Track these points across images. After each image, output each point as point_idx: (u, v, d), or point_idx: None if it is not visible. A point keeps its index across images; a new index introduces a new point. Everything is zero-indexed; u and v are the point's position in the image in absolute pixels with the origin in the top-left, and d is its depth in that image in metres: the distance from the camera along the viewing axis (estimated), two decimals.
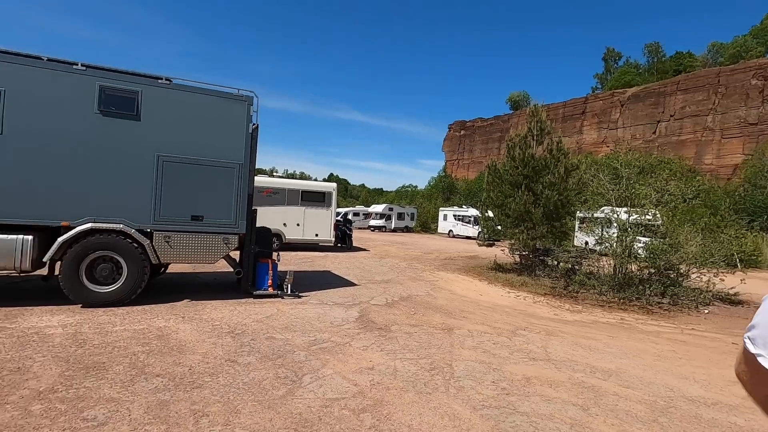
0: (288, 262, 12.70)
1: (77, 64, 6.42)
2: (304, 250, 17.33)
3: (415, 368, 4.77)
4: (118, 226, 6.54)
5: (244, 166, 7.35)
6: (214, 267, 10.43)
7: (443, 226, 39.39)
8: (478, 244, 16.91)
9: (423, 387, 4.26)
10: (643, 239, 11.44)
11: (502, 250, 14.97)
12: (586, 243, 15.73)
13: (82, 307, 6.40)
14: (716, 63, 56.09)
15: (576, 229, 16.79)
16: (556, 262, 12.87)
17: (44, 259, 6.28)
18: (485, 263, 15.87)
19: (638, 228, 11.51)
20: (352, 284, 10.19)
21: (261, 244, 8.31)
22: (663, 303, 10.16)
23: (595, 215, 13.30)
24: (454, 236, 37.11)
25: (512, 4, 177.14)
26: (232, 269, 8.31)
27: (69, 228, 6.33)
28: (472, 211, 34.89)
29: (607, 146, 54.75)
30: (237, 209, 7.31)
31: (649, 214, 11.44)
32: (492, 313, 8.16)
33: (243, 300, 7.60)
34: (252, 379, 4.17)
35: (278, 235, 16.06)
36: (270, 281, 8.04)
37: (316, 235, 17.36)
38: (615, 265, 11.29)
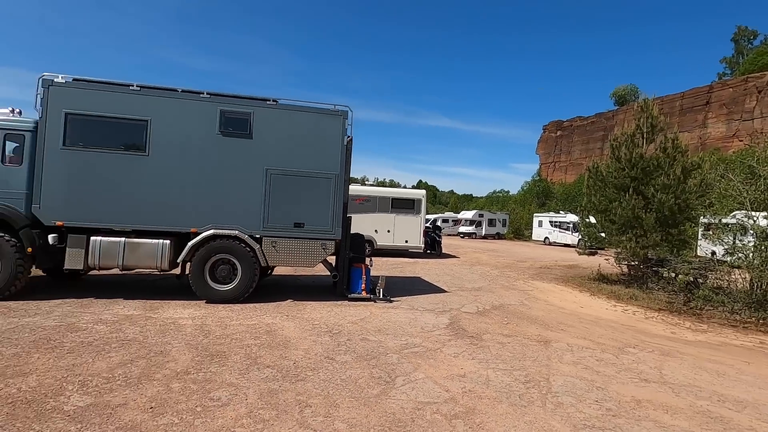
0: (379, 267, 13.11)
1: (203, 93, 7.47)
2: (394, 256, 17.73)
3: (508, 379, 4.64)
4: (234, 232, 7.43)
5: (339, 176, 7.85)
6: (312, 270, 11.20)
7: (538, 232, 37.26)
8: (579, 252, 15.66)
9: (517, 399, 4.13)
10: None
11: (606, 260, 13.69)
12: (713, 253, 13.68)
13: (206, 302, 7.36)
14: None
15: (699, 237, 14.70)
16: (673, 274, 11.39)
17: (178, 260, 7.38)
18: (587, 273, 14.67)
19: None
20: (442, 291, 10.19)
21: (355, 250, 8.74)
22: None
23: (725, 221, 11.52)
24: (550, 244, 34.87)
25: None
26: (328, 273, 8.88)
27: (196, 234, 7.35)
28: (571, 217, 32.45)
29: (740, 140, 46.91)
30: (333, 217, 7.82)
31: None
32: (595, 327, 7.55)
33: (338, 302, 8.06)
34: (349, 376, 4.44)
35: (370, 242, 16.64)
36: (363, 285, 8.42)
37: (406, 241, 17.65)
38: (752, 280, 9.65)
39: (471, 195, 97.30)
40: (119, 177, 7.17)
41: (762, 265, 9.37)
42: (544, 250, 28.17)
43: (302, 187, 7.72)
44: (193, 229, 7.37)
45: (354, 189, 17.21)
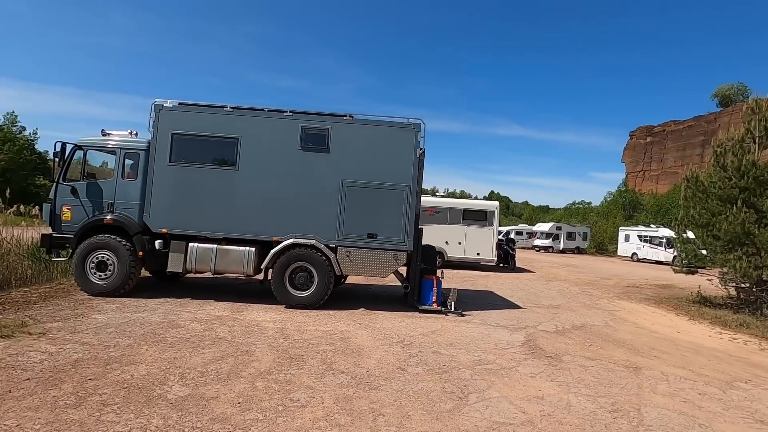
0: (450, 280, 12.93)
1: (287, 111, 8.04)
2: (465, 268, 17.37)
3: (592, 406, 4.31)
4: (311, 241, 7.84)
5: (412, 188, 7.95)
6: (383, 281, 11.38)
7: (624, 247, 34.27)
8: (675, 270, 14.05)
9: (603, 429, 3.82)
10: None
11: (708, 280, 12.16)
12: None
13: (285, 307, 7.82)
14: None
15: None
16: None
17: (261, 266, 7.94)
18: (684, 294, 13.15)
19: None
20: (517, 307, 9.77)
21: (426, 261, 8.74)
22: None
23: None
24: (638, 260, 31.89)
25: None
26: (399, 283, 8.97)
27: (278, 242, 7.87)
28: (664, 231, 29.41)
29: None
30: (405, 228, 7.92)
31: None
32: (695, 356, 6.73)
33: (409, 313, 8.09)
34: (421, 389, 4.43)
35: (440, 253, 16.50)
36: (434, 297, 8.37)
37: (478, 254, 17.23)
38: None
39: (547, 206, 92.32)
40: (213, 189, 7.94)
41: None
42: (631, 267, 25.78)
43: (376, 199, 7.94)
44: (275, 238, 7.90)
45: (425, 200, 17.20)
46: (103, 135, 8.35)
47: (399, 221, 7.93)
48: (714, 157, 11.81)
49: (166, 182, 7.91)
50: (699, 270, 13.42)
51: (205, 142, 8.02)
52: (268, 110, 8.11)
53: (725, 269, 11.38)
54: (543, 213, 78.55)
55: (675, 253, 19.15)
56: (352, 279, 11.41)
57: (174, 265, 7.89)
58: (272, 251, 7.81)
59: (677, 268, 13.61)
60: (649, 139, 74.04)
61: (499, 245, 18.33)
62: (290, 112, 8.04)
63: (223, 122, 8.00)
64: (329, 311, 7.75)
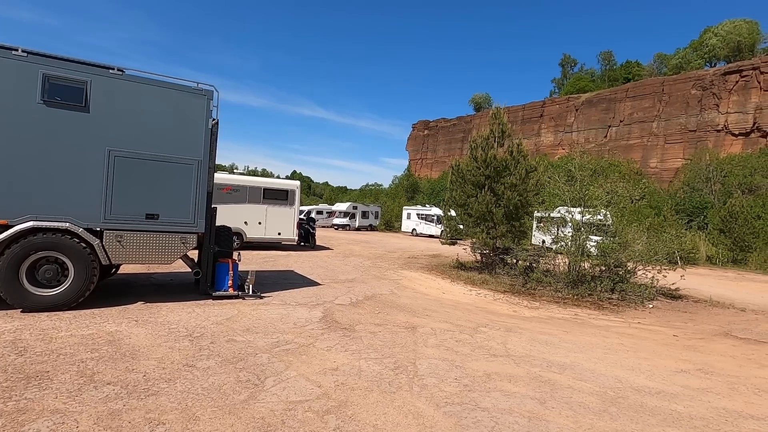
0: (249, 261, 12.38)
1: (17, 50, 5.93)
2: (266, 249, 16.96)
3: (379, 368, 4.79)
4: (63, 224, 6.12)
5: (203, 162, 7.09)
6: (170, 267, 10.00)
7: (407, 224, 39.79)
8: (441, 242, 17.23)
9: (387, 386, 4.29)
10: (595, 238, 12.08)
11: (464, 249, 15.31)
12: (543, 242, 16.41)
13: (21, 311, 5.94)
14: (661, 73, 59.88)
15: (534, 229, 17.46)
16: (515, 261, 13.34)
17: None
18: (448, 262, 16.17)
19: (590, 227, 12.13)
20: (316, 284, 10.09)
21: (221, 244, 8.06)
22: (612, 299, 10.77)
23: (552, 215, 13.90)
24: (417, 235, 37.55)
25: (474, 12, 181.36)
26: (189, 270, 8.01)
27: (8, 226, 5.85)
28: (435, 210, 35.44)
29: (563, 149, 57.22)
30: (195, 207, 7.04)
31: (600, 214, 12.09)
32: (454, 311, 8.34)
33: (201, 302, 7.33)
34: (212, 384, 4.04)
35: (239, 234, 15.62)
36: (230, 282, 7.80)
37: (279, 233, 17.04)
38: (569, 263, 11.84)
39: (345, 187, 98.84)
40: None
41: (576, 251, 11.56)
42: (411, 241, 30.20)
43: (157, 174, 6.76)
44: (1, 221, 5.85)
45: (221, 177, 15.91)
46: None
47: (187, 199, 6.98)
48: (470, 151, 14.75)
49: None
50: (458, 241, 16.75)
51: None
52: None
53: (474, 240, 14.51)
54: (341, 193, 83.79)
55: (442, 228, 23.38)
56: (129, 268, 9.63)
57: None
58: None
59: (443, 240, 16.64)
60: (426, 132, 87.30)
61: (300, 224, 18.58)
62: (23, 51, 5.97)
63: None
64: (93, 310, 6.28)
